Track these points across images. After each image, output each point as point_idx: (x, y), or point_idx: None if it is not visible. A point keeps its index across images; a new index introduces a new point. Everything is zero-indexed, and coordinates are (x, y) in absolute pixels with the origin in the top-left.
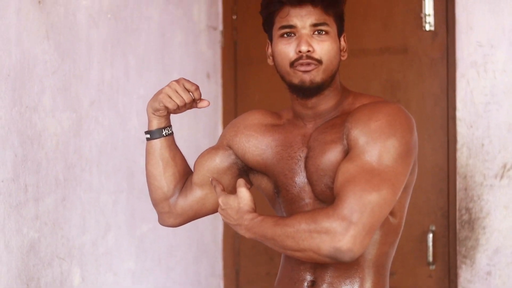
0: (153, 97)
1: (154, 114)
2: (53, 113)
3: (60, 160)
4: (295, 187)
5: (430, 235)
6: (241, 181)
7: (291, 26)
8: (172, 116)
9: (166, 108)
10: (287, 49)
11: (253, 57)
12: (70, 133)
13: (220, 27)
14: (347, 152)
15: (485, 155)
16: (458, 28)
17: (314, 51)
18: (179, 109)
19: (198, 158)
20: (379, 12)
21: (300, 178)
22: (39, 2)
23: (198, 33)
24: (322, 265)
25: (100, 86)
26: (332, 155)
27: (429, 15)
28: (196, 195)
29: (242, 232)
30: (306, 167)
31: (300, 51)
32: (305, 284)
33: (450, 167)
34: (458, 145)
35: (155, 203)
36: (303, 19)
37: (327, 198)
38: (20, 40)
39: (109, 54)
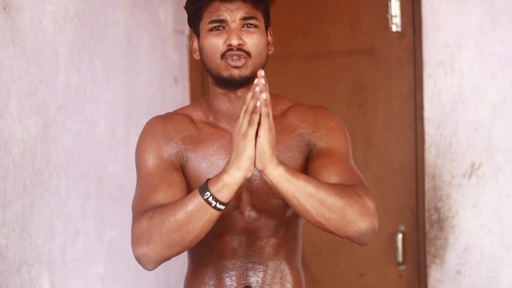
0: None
1: (239, 184)
2: (20, 119)
3: (27, 166)
4: (234, 196)
5: (400, 235)
6: None
7: (221, 21)
8: (137, 119)
9: None
10: (217, 42)
11: None
12: (37, 138)
13: (187, 31)
14: (307, 155)
15: (453, 155)
16: (425, 29)
17: (244, 43)
18: None
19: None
20: (345, 13)
21: (239, 188)
22: (4, 8)
23: (164, 37)
24: (254, 270)
25: (67, 91)
26: (292, 163)
27: (395, 16)
28: None
29: (272, 166)
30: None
31: (230, 45)
32: None
33: (419, 167)
34: (426, 145)
35: (165, 257)
36: (233, 13)
37: (266, 204)
38: None
39: (75, 59)
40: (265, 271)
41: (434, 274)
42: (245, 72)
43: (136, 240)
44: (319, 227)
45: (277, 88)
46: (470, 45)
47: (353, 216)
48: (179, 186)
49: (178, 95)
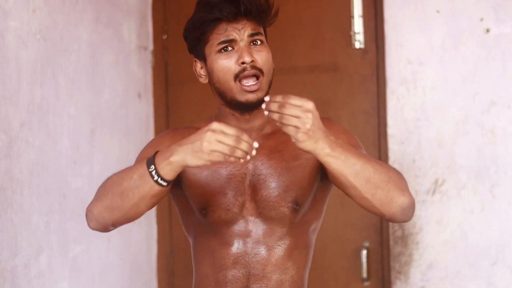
0: (183, 150)
1: (181, 166)
2: None
3: None
4: (237, 205)
5: (364, 252)
6: None
7: (231, 40)
8: (101, 135)
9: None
10: (228, 64)
11: (184, 76)
12: (0, 154)
13: (151, 46)
14: (315, 166)
15: (416, 171)
16: (388, 46)
17: (256, 61)
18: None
19: None
20: (308, 30)
21: (244, 196)
22: None
23: (128, 53)
24: (255, 282)
25: (30, 107)
26: (299, 171)
27: (358, 33)
28: None
29: (324, 144)
30: (255, 184)
31: (243, 62)
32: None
33: None
34: (390, 162)
35: (104, 220)
36: (240, 32)
37: (271, 212)
38: None
39: (38, 74)
40: (267, 285)
41: None
42: (261, 94)
43: (89, 211)
44: (365, 204)
45: None
46: (433, 62)
47: (396, 191)
48: None
49: (142, 111)
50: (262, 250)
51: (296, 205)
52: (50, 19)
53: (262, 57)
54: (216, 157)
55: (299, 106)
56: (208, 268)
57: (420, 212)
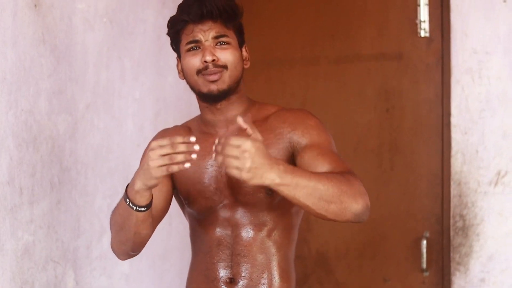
0: (139, 177)
1: (147, 190)
2: (48, 116)
3: (55, 163)
4: (215, 193)
5: (424, 242)
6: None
7: (196, 41)
8: (165, 118)
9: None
10: (193, 61)
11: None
12: (65, 136)
13: None
14: (290, 153)
15: (479, 162)
16: (453, 35)
17: (218, 59)
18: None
19: None
20: (374, 17)
21: (220, 184)
22: (35, 5)
23: None
24: (238, 261)
25: (95, 89)
26: None
27: (424, 21)
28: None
29: (272, 175)
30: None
31: (205, 61)
32: (222, 281)
33: (445, 174)
34: (453, 152)
35: (124, 252)
36: (205, 33)
37: (246, 197)
38: (16, 43)
39: (104, 57)
40: (252, 265)
41: (458, 282)
42: (222, 85)
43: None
44: (320, 217)
45: (304, 90)
46: (498, 52)
47: (348, 201)
48: (161, 191)
49: None
50: (243, 232)
51: (269, 191)
52: (116, 2)
53: (225, 54)
54: (161, 171)
55: (237, 147)
56: (198, 250)
57: (481, 203)
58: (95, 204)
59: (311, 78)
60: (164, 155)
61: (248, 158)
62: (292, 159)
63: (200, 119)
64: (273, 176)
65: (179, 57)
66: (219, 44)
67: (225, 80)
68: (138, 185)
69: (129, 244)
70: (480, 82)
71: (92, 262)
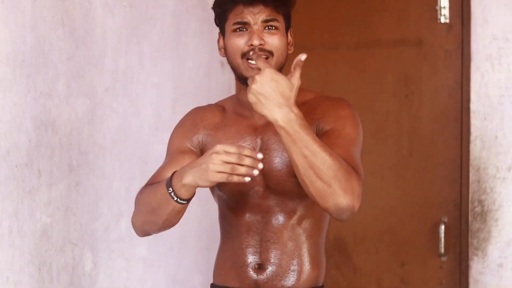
0: (193, 173)
1: (195, 187)
2: (67, 100)
3: (73, 146)
4: None
5: (442, 227)
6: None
7: (244, 23)
8: (183, 103)
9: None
10: (238, 42)
11: None
12: (84, 119)
13: None
14: None
15: (498, 148)
16: (473, 21)
17: (265, 43)
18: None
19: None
20: (394, 3)
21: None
22: None
23: (212, 22)
24: (267, 248)
25: (114, 73)
26: None
27: (444, 7)
28: None
29: (278, 114)
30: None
31: (252, 45)
32: (251, 267)
33: (463, 159)
34: (472, 137)
35: (145, 231)
36: (255, 16)
37: (278, 185)
38: (35, 26)
39: (123, 42)
40: (282, 252)
41: (476, 267)
42: None
43: (133, 213)
44: (303, 186)
45: (324, 76)
46: None
47: (336, 190)
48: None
49: (224, 80)
50: (273, 219)
51: None
52: None
53: (273, 40)
54: (219, 178)
55: (258, 69)
56: (227, 235)
57: (500, 189)
58: (112, 187)
59: (330, 64)
60: (228, 162)
61: (258, 82)
62: None
63: (236, 100)
64: (278, 116)
65: (222, 34)
66: (267, 28)
67: (270, 64)
68: (188, 180)
69: (154, 227)
70: (499, 69)
71: (110, 244)
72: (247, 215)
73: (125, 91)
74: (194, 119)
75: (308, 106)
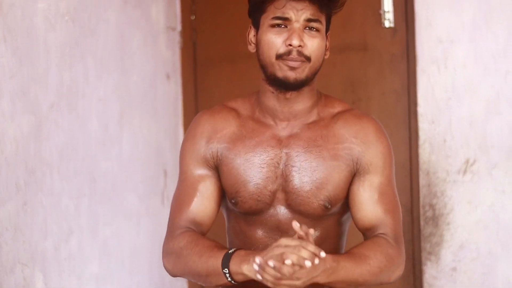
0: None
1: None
2: (12, 117)
3: (20, 164)
4: (268, 195)
5: None
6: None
7: (285, 18)
8: (130, 116)
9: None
10: (276, 40)
11: (212, 57)
12: (30, 137)
13: (179, 27)
14: (353, 171)
15: (447, 151)
16: (418, 24)
17: (304, 46)
18: None
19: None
20: None
21: (275, 186)
22: None
23: (156, 34)
24: None
25: (59, 89)
26: (335, 172)
27: (388, 11)
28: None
29: (318, 278)
30: (287, 174)
31: (290, 45)
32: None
33: (413, 164)
34: (420, 141)
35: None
36: (298, 13)
37: (301, 206)
38: None
39: (67, 56)
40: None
41: (430, 271)
42: (301, 75)
43: (166, 254)
44: None
45: None
46: (463, 40)
47: (385, 277)
48: (211, 198)
49: (170, 92)
50: None
51: (329, 204)
52: (78, 1)
53: (313, 44)
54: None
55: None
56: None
57: (451, 192)
58: (61, 204)
59: None
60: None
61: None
62: (351, 177)
63: (255, 103)
64: (319, 279)
65: (256, 27)
66: (308, 28)
67: (305, 70)
68: (250, 274)
69: (193, 281)
70: (445, 72)
71: (61, 263)
72: (264, 233)
73: (71, 106)
74: (205, 130)
75: (342, 128)
